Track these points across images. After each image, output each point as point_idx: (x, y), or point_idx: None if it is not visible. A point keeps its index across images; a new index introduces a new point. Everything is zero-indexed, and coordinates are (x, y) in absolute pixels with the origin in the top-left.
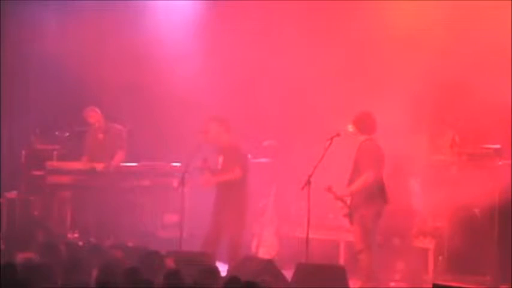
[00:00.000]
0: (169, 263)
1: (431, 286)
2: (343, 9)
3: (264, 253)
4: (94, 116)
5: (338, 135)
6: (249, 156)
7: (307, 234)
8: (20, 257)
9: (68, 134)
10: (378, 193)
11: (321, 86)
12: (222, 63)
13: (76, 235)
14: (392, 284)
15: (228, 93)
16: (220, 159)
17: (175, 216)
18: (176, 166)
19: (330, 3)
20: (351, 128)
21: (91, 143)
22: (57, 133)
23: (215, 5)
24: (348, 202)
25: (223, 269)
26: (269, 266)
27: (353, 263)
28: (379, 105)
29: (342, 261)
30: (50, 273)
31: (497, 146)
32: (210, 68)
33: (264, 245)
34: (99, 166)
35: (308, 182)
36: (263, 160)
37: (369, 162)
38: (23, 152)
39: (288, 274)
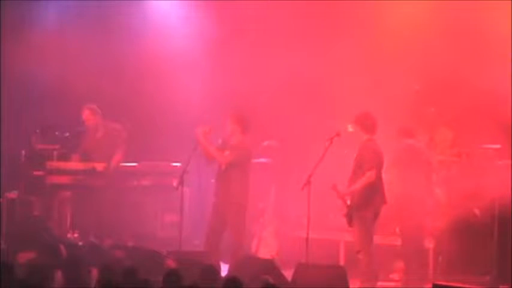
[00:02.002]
0: (169, 263)
1: (431, 286)
2: (342, 10)
3: (264, 253)
4: (91, 113)
5: (338, 135)
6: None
7: (307, 234)
8: (21, 257)
9: (68, 134)
10: (377, 193)
11: (321, 86)
12: (222, 64)
13: (76, 235)
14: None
15: (228, 93)
16: (226, 153)
17: (175, 216)
18: (176, 166)
19: (329, 6)
20: (351, 127)
21: (88, 141)
22: (57, 133)
23: (215, 6)
24: (348, 202)
25: (224, 268)
26: (269, 266)
27: (353, 263)
28: (379, 105)
29: (342, 261)
30: (50, 273)
31: (497, 146)
32: (210, 68)
33: (264, 245)
34: (99, 166)
35: (308, 182)
36: (263, 160)
37: (373, 162)
38: (23, 152)
39: (288, 274)
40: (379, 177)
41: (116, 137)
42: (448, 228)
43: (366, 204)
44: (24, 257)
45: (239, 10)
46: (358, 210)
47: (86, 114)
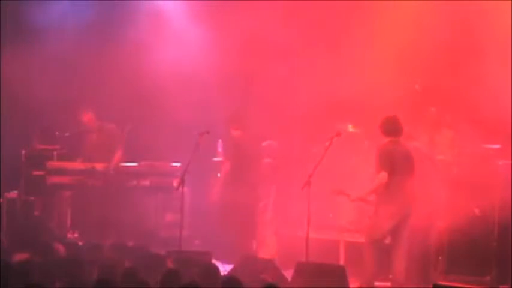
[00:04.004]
0: (169, 263)
1: (431, 286)
2: (342, 12)
3: (264, 253)
4: (86, 117)
5: (338, 135)
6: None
7: (307, 234)
8: (17, 258)
9: (68, 134)
10: (397, 195)
11: (321, 86)
12: (222, 64)
13: (76, 235)
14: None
15: (228, 93)
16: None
17: (176, 216)
18: (176, 166)
19: (329, 5)
20: (350, 128)
21: (86, 144)
22: (57, 133)
23: (215, 14)
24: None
25: (224, 268)
26: (269, 266)
27: (353, 263)
28: (379, 106)
29: (342, 261)
30: (47, 273)
31: (497, 146)
32: (209, 68)
33: (264, 245)
34: (99, 166)
35: (308, 182)
36: (263, 160)
37: (380, 164)
38: (23, 152)
39: (288, 274)
40: (397, 179)
41: (114, 137)
42: (448, 228)
43: (385, 203)
44: (20, 257)
45: (239, 9)
46: (378, 207)
47: (87, 116)
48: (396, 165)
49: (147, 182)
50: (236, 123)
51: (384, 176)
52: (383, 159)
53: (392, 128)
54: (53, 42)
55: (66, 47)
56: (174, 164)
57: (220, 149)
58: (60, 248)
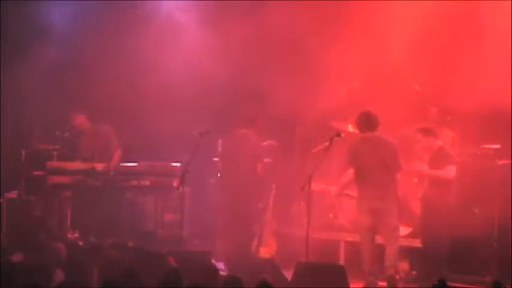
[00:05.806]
0: (171, 262)
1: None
2: (343, 11)
3: (263, 253)
4: (79, 121)
5: (338, 135)
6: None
7: (307, 233)
8: (15, 258)
9: (67, 134)
10: (367, 191)
11: (321, 86)
12: (221, 63)
13: (76, 235)
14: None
15: (227, 93)
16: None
17: (175, 216)
18: (176, 166)
19: (329, 7)
20: (350, 128)
21: (82, 147)
22: (57, 133)
23: (214, 5)
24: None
25: (224, 268)
26: (269, 266)
27: (353, 263)
28: (380, 106)
29: (342, 261)
30: (47, 273)
31: (497, 146)
32: (209, 68)
33: (264, 244)
34: (99, 166)
35: (308, 182)
36: (263, 160)
37: (346, 161)
38: (23, 152)
39: (288, 274)
40: (362, 174)
41: (109, 139)
42: (449, 228)
43: (357, 203)
44: (18, 257)
45: (240, 7)
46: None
47: (80, 119)
48: (362, 161)
49: (147, 182)
50: (241, 122)
51: (350, 172)
52: (348, 156)
53: (363, 124)
54: (55, 43)
55: (69, 48)
56: (174, 164)
57: (220, 149)
58: (61, 248)
